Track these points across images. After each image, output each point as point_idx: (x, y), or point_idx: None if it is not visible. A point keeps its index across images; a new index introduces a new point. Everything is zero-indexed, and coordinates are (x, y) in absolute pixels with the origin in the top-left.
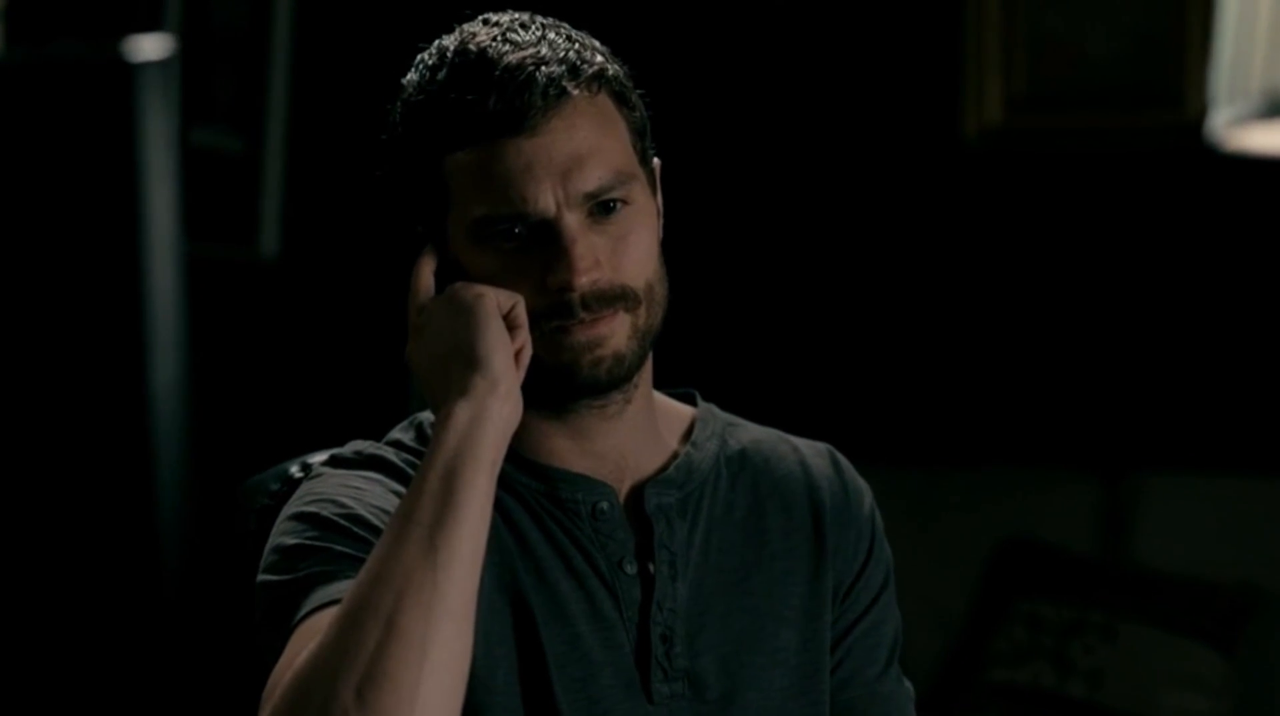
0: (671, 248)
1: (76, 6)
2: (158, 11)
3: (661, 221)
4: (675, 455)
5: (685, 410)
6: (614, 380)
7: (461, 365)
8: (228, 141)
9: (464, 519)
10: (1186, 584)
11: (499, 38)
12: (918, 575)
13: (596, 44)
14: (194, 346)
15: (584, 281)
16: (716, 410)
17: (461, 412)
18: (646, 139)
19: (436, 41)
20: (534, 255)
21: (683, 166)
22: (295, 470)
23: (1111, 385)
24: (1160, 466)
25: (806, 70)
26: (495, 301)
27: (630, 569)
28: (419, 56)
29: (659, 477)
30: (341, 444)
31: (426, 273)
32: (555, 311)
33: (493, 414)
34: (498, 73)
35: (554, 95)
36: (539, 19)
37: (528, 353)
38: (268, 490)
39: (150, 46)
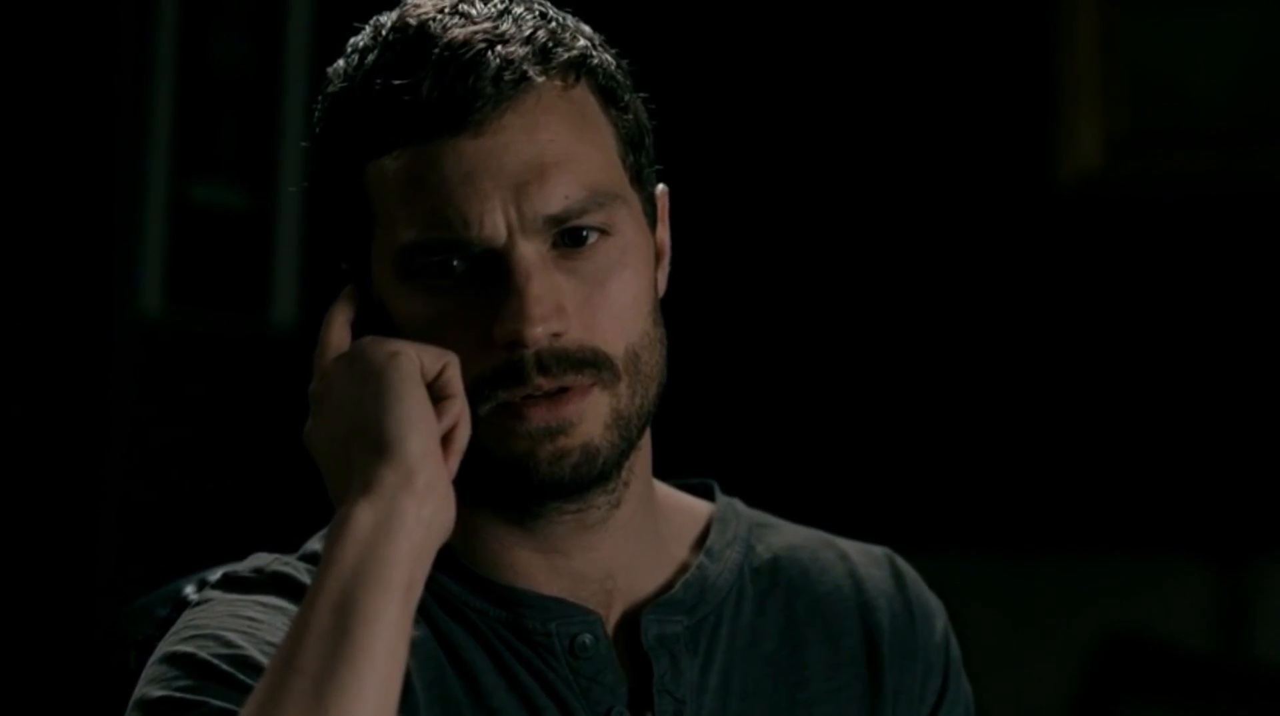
0: (694, 300)
1: (54, 46)
2: (147, 48)
3: (666, 268)
4: (684, 568)
5: (699, 507)
6: (582, 480)
7: (367, 451)
8: (232, 197)
9: (364, 664)
10: None
11: (448, 9)
12: (1008, 677)
13: (584, 29)
14: (197, 430)
15: (539, 332)
16: (741, 506)
17: (363, 516)
18: (644, 154)
19: (374, 18)
20: (477, 298)
21: (721, 206)
22: (190, 591)
23: (1228, 459)
24: None
25: (879, 109)
26: (417, 363)
27: None
28: (352, 39)
29: (661, 600)
30: None
31: (339, 325)
32: (502, 377)
33: (407, 517)
34: (438, 50)
35: (510, 82)
36: None
37: (464, 432)
38: (154, 616)
39: None
